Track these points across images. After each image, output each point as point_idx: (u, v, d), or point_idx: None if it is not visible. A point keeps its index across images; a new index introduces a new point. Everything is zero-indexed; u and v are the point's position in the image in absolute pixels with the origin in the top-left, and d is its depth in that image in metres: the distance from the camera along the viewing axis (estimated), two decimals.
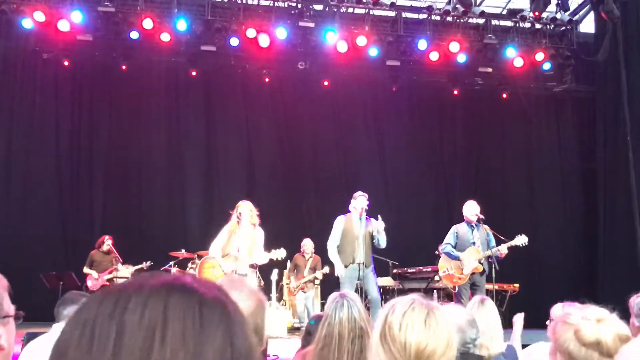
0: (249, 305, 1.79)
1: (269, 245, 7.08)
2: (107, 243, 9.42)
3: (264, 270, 8.74)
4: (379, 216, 7.15)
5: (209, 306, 0.65)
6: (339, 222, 7.36)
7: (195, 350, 0.61)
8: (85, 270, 9.37)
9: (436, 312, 1.55)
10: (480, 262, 7.41)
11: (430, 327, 1.50)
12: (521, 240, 7.47)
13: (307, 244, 9.93)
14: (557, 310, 2.99)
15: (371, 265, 7.34)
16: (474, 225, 7.54)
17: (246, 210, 6.84)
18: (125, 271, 9.40)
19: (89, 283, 9.33)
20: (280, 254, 7.02)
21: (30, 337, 3.79)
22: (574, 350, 1.70)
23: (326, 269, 9.32)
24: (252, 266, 6.91)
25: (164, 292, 0.64)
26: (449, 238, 7.63)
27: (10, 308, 1.47)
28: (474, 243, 7.48)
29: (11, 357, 1.51)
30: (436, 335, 1.50)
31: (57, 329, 3.67)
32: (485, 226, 7.64)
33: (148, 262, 9.45)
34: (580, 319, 1.73)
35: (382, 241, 7.24)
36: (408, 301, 1.58)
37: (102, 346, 0.60)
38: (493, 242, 7.53)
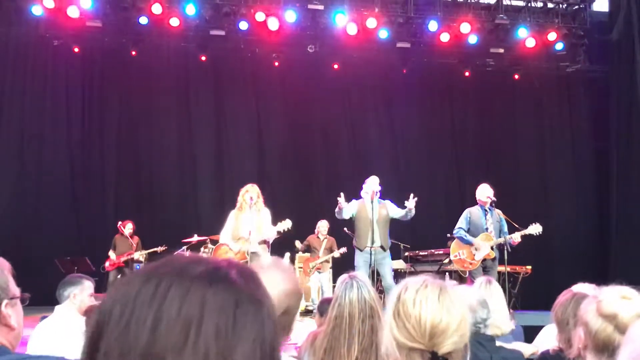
0: (281, 287, 1.81)
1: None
2: (128, 228, 9.87)
3: (276, 254, 8.79)
4: (412, 195, 7.22)
5: (245, 305, 0.67)
6: (353, 204, 7.42)
7: (226, 350, 0.63)
8: (110, 252, 9.84)
9: (449, 290, 1.56)
10: (492, 248, 7.40)
11: (444, 304, 1.52)
12: (535, 229, 7.42)
13: (322, 226, 9.94)
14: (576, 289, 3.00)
15: (389, 247, 7.38)
16: (488, 209, 7.50)
17: (253, 194, 6.94)
18: (139, 255, 9.67)
19: (106, 264, 9.76)
20: (286, 224, 7.07)
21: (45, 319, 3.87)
22: (591, 321, 1.71)
23: (343, 249, 9.35)
24: (264, 242, 6.98)
25: (204, 285, 0.66)
26: (462, 222, 7.59)
27: (16, 290, 1.50)
28: (487, 229, 7.45)
29: (21, 337, 1.53)
30: (450, 311, 1.51)
31: (59, 310, 3.73)
32: (498, 210, 7.60)
33: (163, 247, 9.59)
34: (606, 293, 1.74)
35: (409, 216, 7.38)
36: (420, 280, 1.60)
37: (138, 331, 0.62)
38: (506, 228, 7.50)
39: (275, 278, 1.82)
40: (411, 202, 7.21)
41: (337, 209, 7.33)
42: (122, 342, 0.62)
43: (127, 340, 0.62)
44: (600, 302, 1.72)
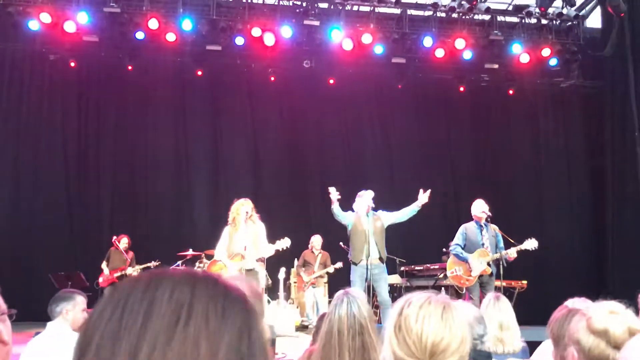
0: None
1: (274, 240, 7.10)
2: (123, 242, 9.83)
3: (272, 269, 8.76)
4: (422, 190, 7.35)
5: (232, 298, 0.70)
6: (350, 216, 7.41)
7: (216, 333, 0.65)
8: (103, 265, 9.75)
9: (452, 309, 1.56)
10: (488, 264, 7.38)
11: (447, 322, 1.51)
12: (531, 244, 7.41)
13: (316, 241, 9.97)
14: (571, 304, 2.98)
15: (385, 258, 7.35)
16: (483, 225, 7.50)
17: (248, 208, 6.90)
18: (132, 270, 9.60)
19: (100, 280, 9.69)
20: (285, 243, 7.04)
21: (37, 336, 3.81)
22: (583, 339, 1.71)
23: (339, 264, 9.31)
24: (260, 260, 6.94)
25: (192, 280, 0.69)
26: (458, 239, 7.58)
27: (4, 306, 1.52)
28: (483, 244, 7.44)
29: (11, 353, 1.54)
30: (452, 330, 1.51)
31: (51, 327, 3.65)
32: (494, 226, 7.60)
33: (156, 262, 9.54)
34: (594, 310, 1.74)
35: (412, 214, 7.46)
36: (424, 296, 1.59)
37: (132, 319, 0.64)
38: (501, 243, 7.49)
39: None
40: (424, 197, 7.32)
41: (332, 206, 7.36)
42: (115, 331, 0.64)
43: (121, 327, 0.64)
44: (590, 318, 1.72)
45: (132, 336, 0.63)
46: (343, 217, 7.41)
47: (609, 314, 1.73)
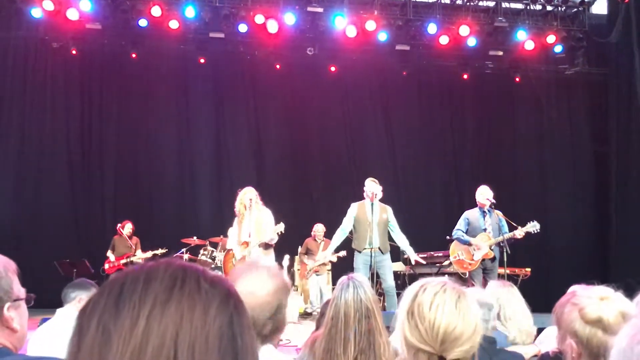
0: (269, 286, 1.87)
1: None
2: (127, 228, 9.81)
3: (275, 256, 8.78)
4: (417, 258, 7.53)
5: (217, 274, 0.77)
6: (352, 209, 7.40)
7: (208, 294, 0.72)
8: (108, 253, 9.74)
9: (467, 297, 1.56)
10: (490, 248, 7.39)
11: (461, 311, 1.52)
12: (533, 227, 7.42)
13: (319, 229, 9.99)
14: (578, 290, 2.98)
15: (388, 251, 7.36)
16: (487, 211, 7.52)
17: (252, 195, 6.97)
18: (140, 255, 9.62)
19: (106, 266, 9.67)
20: (279, 227, 7.09)
21: (46, 322, 3.86)
22: (579, 329, 1.72)
23: (342, 252, 9.35)
24: (265, 247, 6.99)
25: (182, 264, 0.76)
26: (460, 224, 7.64)
27: (20, 291, 1.49)
28: (485, 229, 7.47)
29: (25, 339, 1.53)
30: (465, 319, 1.51)
31: (61, 313, 3.74)
32: (498, 212, 7.61)
33: (163, 249, 9.59)
34: (584, 299, 1.75)
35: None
36: (439, 283, 1.60)
37: (133, 286, 0.70)
38: (505, 228, 7.50)
39: (261, 278, 1.86)
40: (414, 256, 7.45)
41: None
42: (116, 298, 0.70)
43: (122, 292, 0.70)
44: (583, 309, 1.72)
45: (134, 299, 0.69)
46: (345, 229, 7.47)
47: (599, 301, 1.73)
